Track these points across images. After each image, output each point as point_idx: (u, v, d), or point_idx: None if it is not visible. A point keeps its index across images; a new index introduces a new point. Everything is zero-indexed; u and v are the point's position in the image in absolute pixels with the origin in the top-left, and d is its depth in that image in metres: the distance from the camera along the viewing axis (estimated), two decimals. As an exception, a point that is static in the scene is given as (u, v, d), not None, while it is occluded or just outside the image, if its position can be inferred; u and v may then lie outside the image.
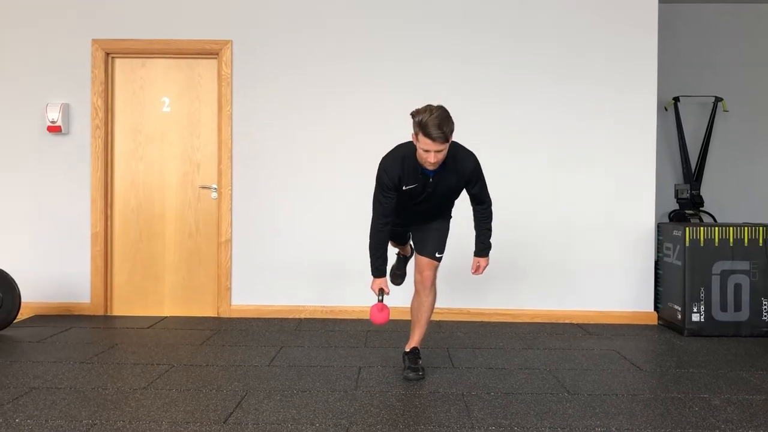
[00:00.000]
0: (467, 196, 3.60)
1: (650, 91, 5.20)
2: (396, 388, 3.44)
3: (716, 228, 4.77)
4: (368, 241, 3.54)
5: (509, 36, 5.21)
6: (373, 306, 3.51)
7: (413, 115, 3.23)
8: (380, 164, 3.43)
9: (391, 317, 4.99)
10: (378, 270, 3.55)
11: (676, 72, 6.03)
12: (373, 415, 3.04)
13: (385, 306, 3.51)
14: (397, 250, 4.14)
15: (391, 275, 4.10)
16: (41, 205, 5.26)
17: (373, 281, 3.56)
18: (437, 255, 3.65)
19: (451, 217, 3.74)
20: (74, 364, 3.82)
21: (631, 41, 5.19)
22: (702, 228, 4.76)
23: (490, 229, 3.68)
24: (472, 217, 3.67)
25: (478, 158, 3.49)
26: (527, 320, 5.16)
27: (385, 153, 3.48)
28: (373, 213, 3.51)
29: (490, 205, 3.64)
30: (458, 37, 5.21)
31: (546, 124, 5.21)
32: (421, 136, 3.19)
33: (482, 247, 3.69)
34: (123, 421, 2.91)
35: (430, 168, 3.30)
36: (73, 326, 4.84)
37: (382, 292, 3.52)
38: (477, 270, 3.70)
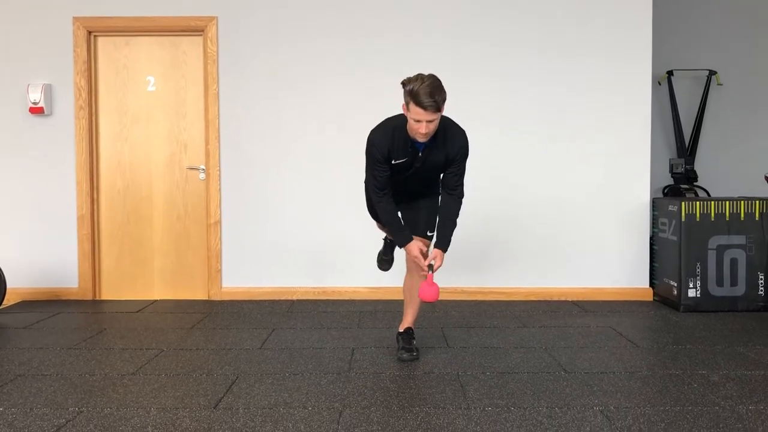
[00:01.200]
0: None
1: (645, 64, 5.11)
2: (390, 369, 3.38)
3: (712, 202, 4.71)
4: (378, 221, 3.44)
5: (499, 8, 5.10)
6: (422, 282, 3.37)
7: (404, 84, 3.13)
8: (369, 137, 3.34)
9: (383, 297, 5.01)
10: (403, 237, 3.40)
11: (670, 45, 5.95)
12: (367, 397, 2.98)
13: (435, 282, 3.36)
14: (384, 234, 4.05)
15: (378, 261, 4.02)
16: (25, 188, 5.15)
17: (408, 249, 3.39)
18: (429, 233, 3.56)
19: (439, 193, 3.65)
20: (61, 350, 3.75)
21: (626, 12, 5.09)
22: (698, 203, 4.71)
23: (455, 222, 3.44)
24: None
25: (469, 137, 3.39)
26: (522, 298, 5.11)
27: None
28: (371, 192, 3.42)
29: (461, 197, 3.44)
30: (449, 11, 5.10)
31: (538, 98, 5.12)
32: (412, 106, 3.09)
33: (444, 240, 3.41)
34: (111, 408, 2.84)
35: (421, 139, 3.20)
36: (61, 311, 4.76)
37: (431, 266, 3.35)
38: (429, 267, 3.35)
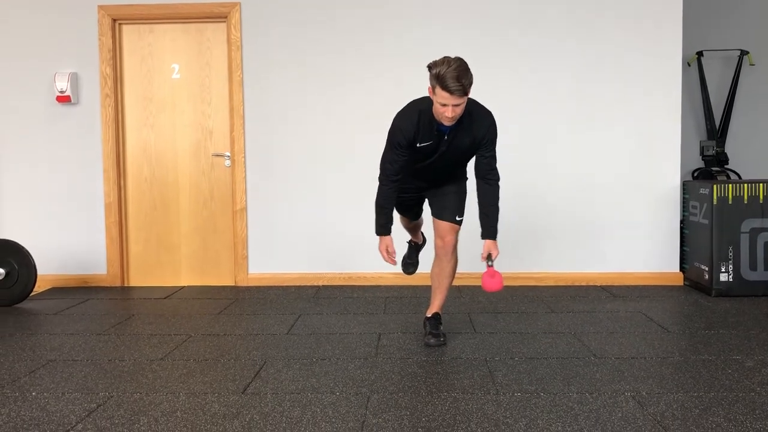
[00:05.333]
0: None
1: (675, 46, 5.00)
2: (417, 355, 3.37)
3: (745, 185, 4.61)
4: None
5: (527, -10, 5.03)
6: (484, 273, 3.34)
7: (430, 67, 3.09)
8: (394, 120, 3.30)
9: (409, 283, 4.99)
10: (383, 227, 3.39)
11: (700, 25, 5.81)
12: (395, 382, 2.96)
13: (497, 271, 3.33)
14: (408, 237, 4.02)
15: (402, 265, 3.99)
16: (54, 177, 5.20)
17: (379, 241, 3.41)
18: (457, 219, 3.52)
19: (467, 178, 3.60)
20: (91, 336, 3.78)
21: (655, -8, 4.99)
22: (730, 185, 4.61)
23: (497, 207, 3.40)
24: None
25: (497, 120, 3.34)
26: (550, 283, 5.06)
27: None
28: (381, 173, 3.39)
29: (497, 181, 3.39)
30: (474, -7, 5.04)
31: (567, 81, 5.04)
32: (438, 89, 3.05)
33: (491, 228, 3.37)
34: (140, 393, 2.86)
35: (447, 123, 3.16)
36: (90, 298, 4.81)
37: (489, 257, 3.34)
38: (487, 259, 3.35)
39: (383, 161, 3.38)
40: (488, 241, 3.38)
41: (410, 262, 4.00)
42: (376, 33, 5.07)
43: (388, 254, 3.40)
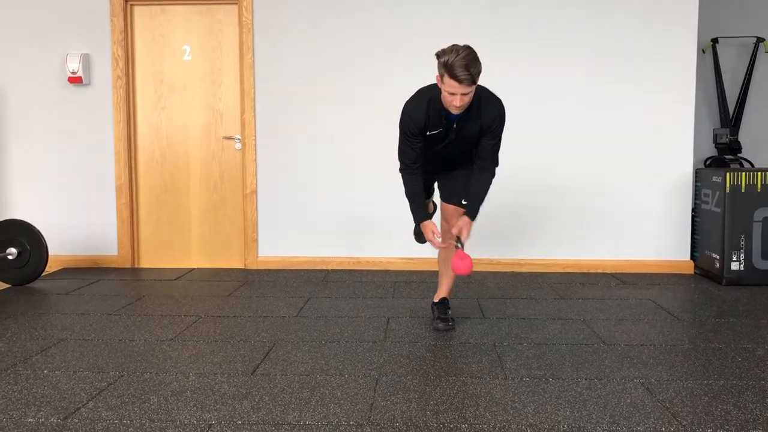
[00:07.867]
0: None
1: (690, 32, 4.95)
2: (426, 339, 3.37)
3: (759, 173, 4.57)
4: (404, 191, 3.42)
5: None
6: (453, 257, 3.33)
7: (438, 55, 3.07)
8: (404, 109, 3.29)
9: (418, 268, 4.99)
10: (419, 216, 3.40)
11: (715, 12, 5.73)
12: (404, 365, 2.97)
13: (467, 254, 3.32)
14: None
15: (414, 234, 3.98)
16: (65, 158, 5.22)
17: (423, 229, 3.40)
18: (464, 202, 3.50)
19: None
20: (102, 316, 3.81)
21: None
22: (743, 173, 4.57)
23: (485, 193, 3.38)
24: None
25: (505, 105, 3.31)
26: (559, 270, 5.05)
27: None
28: (401, 163, 3.39)
29: (495, 167, 3.38)
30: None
31: (578, 66, 5.00)
32: (446, 78, 3.03)
33: (473, 207, 3.36)
34: (150, 373, 2.88)
35: (455, 112, 3.14)
36: (101, 278, 4.84)
37: (459, 239, 3.33)
38: (456, 241, 3.32)
39: (399, 152, 3.37)
40: (465, 218, 3.36)
41: (421, 232, 4.00)
42: (388, 18, 5.03)
43: (434, 237, 3.37)
